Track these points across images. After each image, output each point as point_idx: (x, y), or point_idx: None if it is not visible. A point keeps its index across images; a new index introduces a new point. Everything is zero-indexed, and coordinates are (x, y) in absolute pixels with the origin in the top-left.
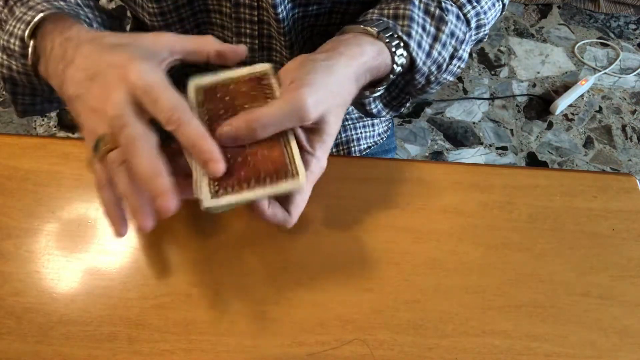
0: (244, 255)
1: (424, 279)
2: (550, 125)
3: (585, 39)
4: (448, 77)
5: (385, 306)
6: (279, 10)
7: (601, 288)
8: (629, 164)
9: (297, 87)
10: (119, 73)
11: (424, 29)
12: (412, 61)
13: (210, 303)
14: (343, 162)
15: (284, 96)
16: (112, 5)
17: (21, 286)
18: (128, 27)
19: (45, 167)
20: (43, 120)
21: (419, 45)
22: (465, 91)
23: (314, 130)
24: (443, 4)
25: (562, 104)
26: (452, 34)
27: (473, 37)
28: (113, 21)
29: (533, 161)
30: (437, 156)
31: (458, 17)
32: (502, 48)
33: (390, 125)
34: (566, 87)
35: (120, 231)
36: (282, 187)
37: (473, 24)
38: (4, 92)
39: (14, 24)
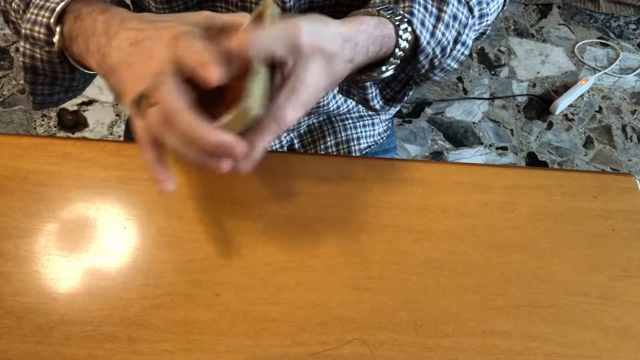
0: (244, 255)
1: (424, 279)
2: (550, 125)
3: (585, 39)
4: (452, 64)
5: (385, 306)
6: (287, 0)
7: (601, 288)
8: (629, 164)
9: (293, 19)
10: (164, 34)
11: (425, 8)
12: (416, 40)
13: (210, 303)
14: (343, 162)
15: (279, 23)
16: None
17: (21, 286)
18: None
19: (45, 167)
20: (43, 120)
21: (422, 23)
22: (465, 91)
23: (289, 77)
24: None
25: (562, 104)
26: (455, 17)
27: (477, 27)
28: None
29: (533, 161)
30: (437, 156)
31: (459, 1)
32: (502, 48)
33: (390, 124)
34: (566, 87)
35: (167, 187)
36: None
37: (476, 12)
38: (4, 93)
39: (35, 12)
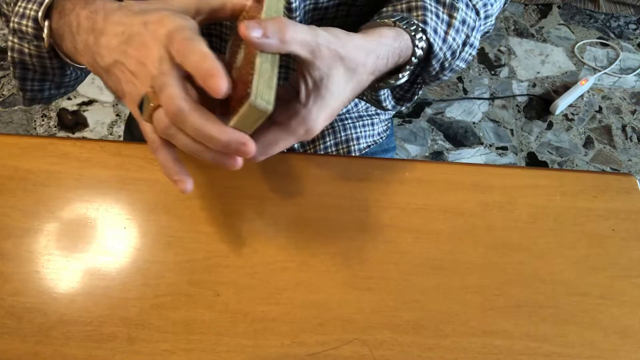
0: (244, 255)
1: (424, 279)
2: (550, 125)
3: (585, 39)
4: (460, 64)
5: (385, 306)
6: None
7: (601, 288)
8: (629, 164)
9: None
10: (154, 29)
11: (437, 16)
12: (429, 46)
13: (210, 303)
14: (343, 162)
15: (299, 26)
16: None
17: (21, 286)
18: None
19: (45, 167)
20: (43, 120)
21: (435, 31)
22: (465, 91)
23: (315, 84)
24: None
25: (562, 104)
26: (464, 21)
27: (482, 27)
28: None
29: (533, 161)
30: (437, 156)
31: (467, 6)
32: (502, 48)
33: (389, 124)
34: (566, 87)
35: (185, 187)
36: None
37: (482, 14)
38: (4, 93)
39: (23, 5)
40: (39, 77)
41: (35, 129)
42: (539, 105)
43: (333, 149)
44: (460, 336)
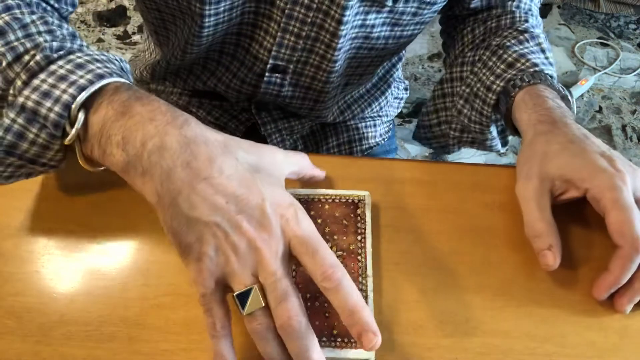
0: None
1: (424, 279)
2: None
3: (585, 39)
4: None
5: (385, 306)
6: (346, 13)
7: None
8: None
9: None
10: (284, 222)
11: (547, 58)
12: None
13: None
14: (343, 162)
15: None
16: (112, 5)
17: (21, 286)
18: (130, 25)
19: None
20: None
21: (544, 64)
22: None
23: None
24: (526, 28)
25: None
26: (542, 38)
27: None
28: None
29: None
30: (437, 156)
31: (536, 18)
32: None
33: (391, 126)
34: (566, 87)
35: None
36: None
37: (535, 12)
38: None
39: (52, 81)
40: (18, 164)
41: None
42: None
43: (335, 150)
44: (460, 336)
